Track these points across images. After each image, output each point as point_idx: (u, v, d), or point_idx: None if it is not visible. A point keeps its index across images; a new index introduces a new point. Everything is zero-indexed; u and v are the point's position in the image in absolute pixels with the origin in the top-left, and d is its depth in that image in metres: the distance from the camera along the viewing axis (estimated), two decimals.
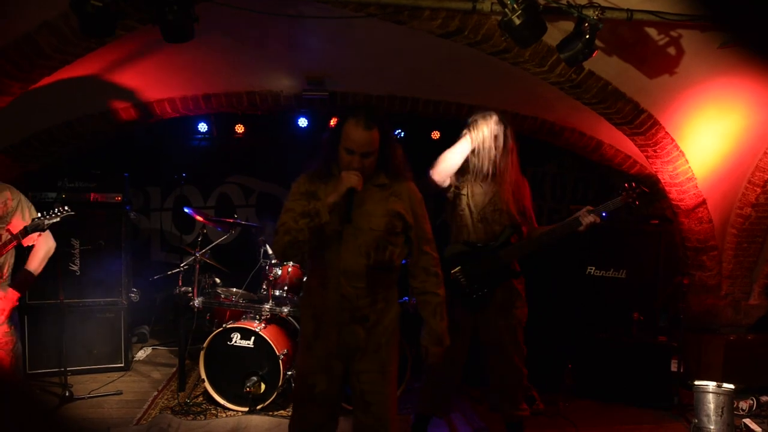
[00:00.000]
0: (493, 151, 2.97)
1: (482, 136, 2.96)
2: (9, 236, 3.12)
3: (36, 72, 3.19)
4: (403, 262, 2.43)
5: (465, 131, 3.01)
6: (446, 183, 3.04)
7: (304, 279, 2.44)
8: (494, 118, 2.98)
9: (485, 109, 3.05)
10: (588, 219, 2.90)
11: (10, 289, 3.18)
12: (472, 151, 2.99)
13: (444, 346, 2.41)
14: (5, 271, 3.20)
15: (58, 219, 3.14)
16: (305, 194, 2.30)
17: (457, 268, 3.03)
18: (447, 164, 2.99)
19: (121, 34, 2.84)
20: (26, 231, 3.09)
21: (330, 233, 2.26)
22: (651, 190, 4.59)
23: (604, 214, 2.93)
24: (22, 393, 2.94)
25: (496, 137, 2.97)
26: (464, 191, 3.06)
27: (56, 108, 4.16)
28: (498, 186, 3.03)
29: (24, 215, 3.22)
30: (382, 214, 2.30)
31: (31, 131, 4.30)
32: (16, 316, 3.27)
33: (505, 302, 3.02)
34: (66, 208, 3.19)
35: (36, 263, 3.29)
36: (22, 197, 3.27)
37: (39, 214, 3.16)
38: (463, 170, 3.05)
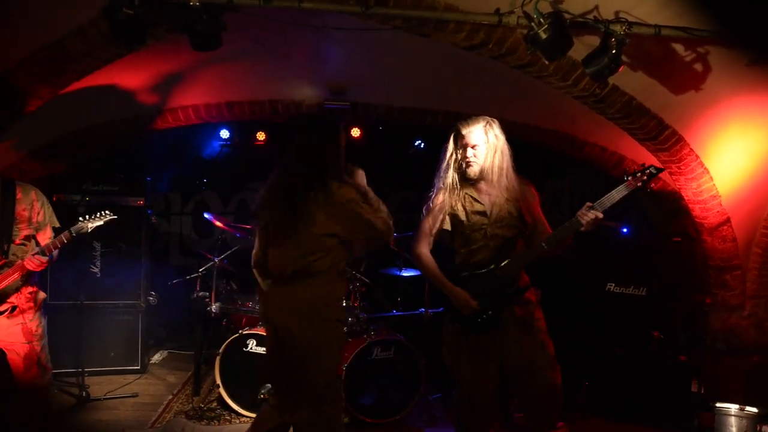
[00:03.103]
0: (481, 161, 2.73)
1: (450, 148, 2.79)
2: (37, 247, 3.03)
3: (65, 77, 3.24)
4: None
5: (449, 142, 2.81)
6: None
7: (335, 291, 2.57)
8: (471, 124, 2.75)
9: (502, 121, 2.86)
10: (588, 217, 2.55)
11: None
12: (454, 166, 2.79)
13: None
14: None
15: (102, 222, 3.13)
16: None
17: None
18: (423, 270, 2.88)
19: (151, 42, 2.89)
20: (71, 234, 3.01)
21: None
22: (675, 197, 4.41)
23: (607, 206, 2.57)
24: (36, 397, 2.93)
25: (475, 146, 2.72)
26: (459, 210, 2.79)
27: (83, 112, 4.23)
28: (494, 198, 2.75)
29: (53, 221, 3.16)
30: None
31: (58, 134, 4.37)
32: (44, 312, 3.18)
33: (524, 317, 2.77)
34: (107, 212, 3.16)
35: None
36: (45, 200, 3.19)
37: (81, 218, 3.09)
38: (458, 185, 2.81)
